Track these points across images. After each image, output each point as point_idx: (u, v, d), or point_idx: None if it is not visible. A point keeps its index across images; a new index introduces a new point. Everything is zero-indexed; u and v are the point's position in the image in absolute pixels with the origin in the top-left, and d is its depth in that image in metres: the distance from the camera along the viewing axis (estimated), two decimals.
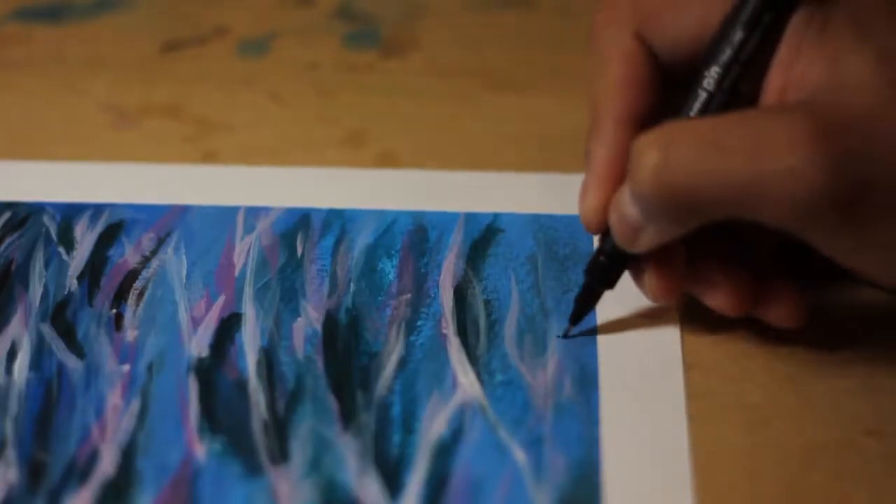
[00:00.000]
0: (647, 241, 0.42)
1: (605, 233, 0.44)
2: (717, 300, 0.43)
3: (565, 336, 0.45)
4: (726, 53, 0.41)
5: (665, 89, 0.44)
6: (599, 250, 0.44)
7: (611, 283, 0.44)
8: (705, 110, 0.41)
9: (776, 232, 0.40)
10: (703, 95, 0.42)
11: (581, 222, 0.44)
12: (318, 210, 0.50)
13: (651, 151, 0.39)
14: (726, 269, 0.43)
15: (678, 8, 0.43)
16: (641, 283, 0.44)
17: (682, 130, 0.39)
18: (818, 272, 0.44)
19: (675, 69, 0.44)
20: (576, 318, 0.45)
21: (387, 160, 0.52)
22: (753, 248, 0.44)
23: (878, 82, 0.38)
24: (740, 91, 0.42)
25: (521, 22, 0.59)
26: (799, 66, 0.40)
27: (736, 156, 0.38)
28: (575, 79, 0.55)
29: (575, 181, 0.46)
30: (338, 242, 0.48)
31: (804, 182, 0.37)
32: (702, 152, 0.38)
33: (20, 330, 0.46)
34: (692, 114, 0.42)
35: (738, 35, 0.41)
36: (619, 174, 0.43)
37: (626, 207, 0.41)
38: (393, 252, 0.48)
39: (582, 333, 0.45)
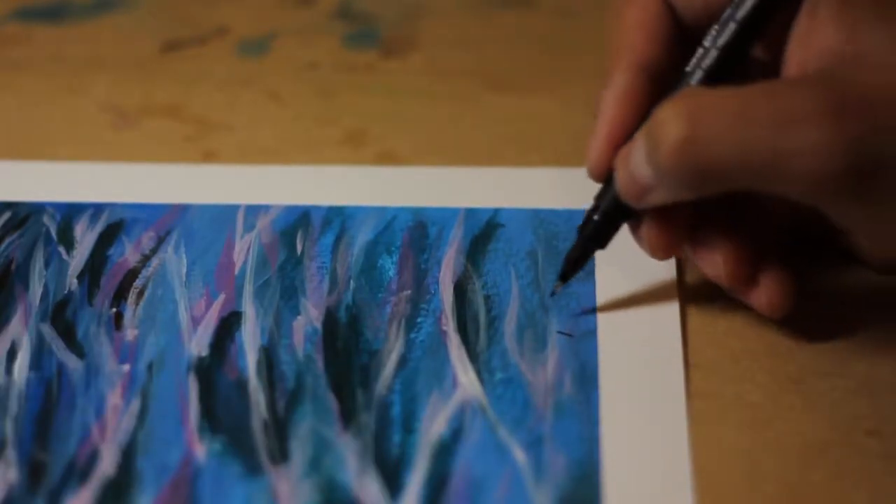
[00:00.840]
0: (655, 200, 0.42)
1: (602, 192, 0.44)
2: (715, 265, 0.43)
3: (554, 294, 0.45)
4: (726, 11, 0.42)
5: (683, 44, 0.44)
6: (594, 208, 0.44)
7: (602, 243, 0.44)
8: (698, 65, 0.42)
9: (783, 210, 0.41)
10: (699, 52, 0.42)
11: (586, 171, 0.44)
12: (318, 207, 0.50)
13: (677, 122, 0.39)
14: (728, 236, 0.43)
15: None
16: (639, 237, 0.44)
17: (706, 102, 0.39)
18: (819, 250, 0.45)
19: (695, 29, 0.44)
20: (565, 275, 0.45)
21: (386, 160, 0.52)
22: (757, 221, 0.44)
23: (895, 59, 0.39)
24: (739, 51, 0.42)
25: (521, 22, 0.59)
26: (818, 36, 0.41)
27: (760, 129, 0.38)
28: (575, 79, 0.55)
29: (575, 176, 0.46)
30: (338, 240, 0.48)
31: (823, 158, 0.38)
32: (728, 125, 0.39)
33: (20, 330, 0.46)
34: (688, 69, 0.42)
35: None
36: (629, 122, 0.43)
37: (639, 167, 0.41)
38: (393, 249, 0.48)
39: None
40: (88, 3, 0.61)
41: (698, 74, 0.42)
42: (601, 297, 0.46)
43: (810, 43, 0.41)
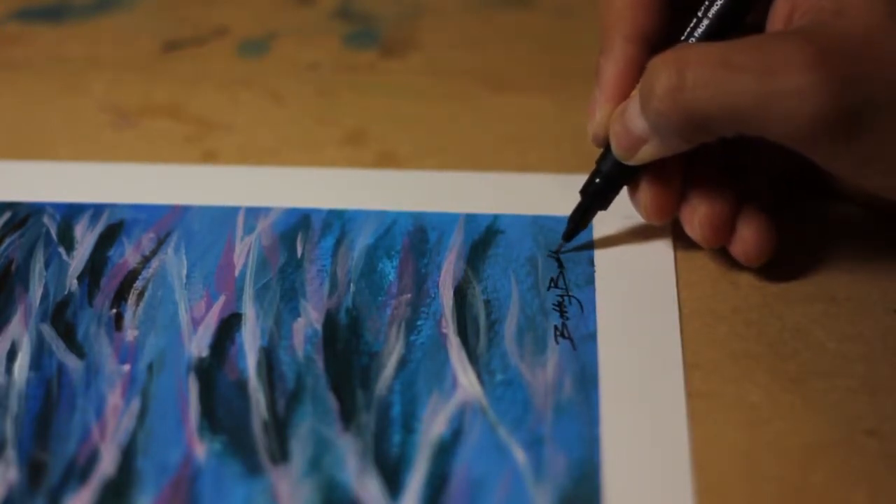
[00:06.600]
0: (647, 153, 0.44)
1: (603, 155, 0.46)
2: (693, 228, 0.45)
3: (558, 252, 0.47)
4: None
5: (674, 11, 0.46)
6: (596, 171, 0.46)
7: (604, 204, 0.46)
8: (692, 34, 0.44)
9: (774, 159, 0.43)
10: (693, 21, 0.44)
11: (589, 136, 0.46)
12: (319, 210, 0.50)
13: (667, 71, 0.41)
14: (710, 197, 0.45)
15: None
16: (636, 200, 0.46)
17: (695, 53, 0.41)
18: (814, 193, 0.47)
19: None
20: (569, 234, 0.47)
21: (386, 160, 0.52)
22: (747, 173, 0.46)
23: (876, 7, 0.40)
24: (732, 20, 0.44)
25: (521, 22, 0.59)
26: None
27: (746, 76, 0.40)
28: (574, 79, 0.55)
29: (575, 182, 0.46)
30: (338, 243, 0.48)
31: (809, 102, 0.39)
32: (714, 72, 0.40)
33: (20, 330, 0.46)
34: (683, 38, 0.44)
35: None
36: (628, 90, 0.45)
37: (633, 120, 0.43)
38: (393, 253, 0.48)
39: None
40: (88, 3, 0.61)
41: (692, 42, 0.44)
42: (601, 300, 0.46)
43: (794, 1, 0.42)
